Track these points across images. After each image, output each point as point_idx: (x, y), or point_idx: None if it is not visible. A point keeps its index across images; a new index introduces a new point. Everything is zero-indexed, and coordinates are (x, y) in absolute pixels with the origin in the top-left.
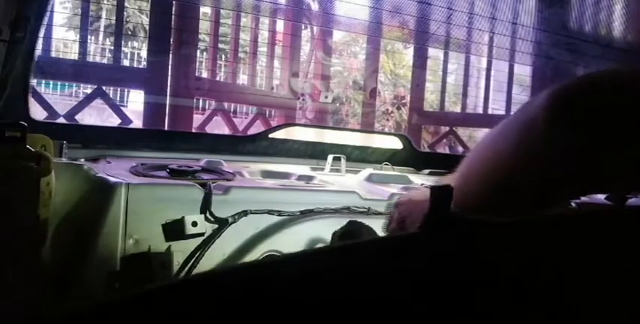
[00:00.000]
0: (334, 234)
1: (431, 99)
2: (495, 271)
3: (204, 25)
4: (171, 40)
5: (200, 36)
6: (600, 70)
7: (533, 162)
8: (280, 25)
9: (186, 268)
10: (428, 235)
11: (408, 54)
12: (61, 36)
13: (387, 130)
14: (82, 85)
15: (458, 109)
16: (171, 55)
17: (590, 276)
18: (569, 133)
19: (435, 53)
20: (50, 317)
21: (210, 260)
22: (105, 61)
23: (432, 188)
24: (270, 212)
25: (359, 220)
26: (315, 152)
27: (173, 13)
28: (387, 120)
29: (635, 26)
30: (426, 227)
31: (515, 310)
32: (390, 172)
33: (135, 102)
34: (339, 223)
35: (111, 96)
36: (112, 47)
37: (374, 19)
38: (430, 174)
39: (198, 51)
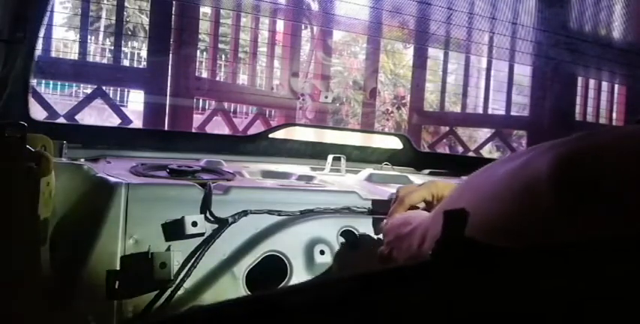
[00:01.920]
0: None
1: (431, 99)
2: (517, 302)
3: (204, 25)
4: (172, 40)
5: (200, 36)
6: (608, 130)
7: (535, 223)
8: (280, 25)
9: (186, 268)
10: (442, 263)
11: (408, 54)
12: (61, 36)
13: (387, 130)
14: (82, 85)
15: (458, 109)
16: (171, 55)
17: (612, 306)
18: (579, 208)
19: (435, 53)
20: None
21: (210, 260)
22: (105, 61)
23: (446, 212)
24: (270, 212)
25: (359, 220)
26: (315, 152)
27: (173, 13)
28: (387, 120)
29: (635, 26)
30: (439, 254)
31: None
32: (390, 172)
33: (135, 102)
34: (339, 223)
35: (111, 96)
36: (112, 47)
37: (374, 19)
38: (430, 174)
39: (198, 51)
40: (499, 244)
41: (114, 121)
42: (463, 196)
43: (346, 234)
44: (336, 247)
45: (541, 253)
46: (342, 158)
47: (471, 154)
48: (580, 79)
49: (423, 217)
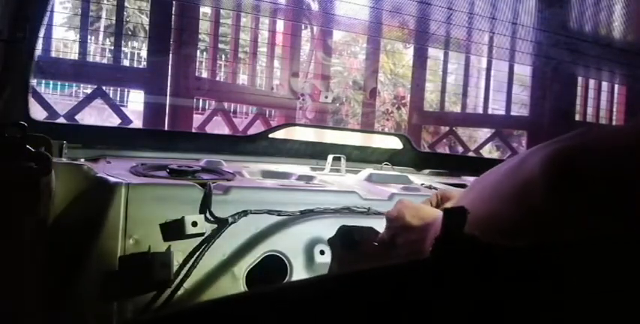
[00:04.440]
0: (331, 240)
1: (431, 99)
2: (516, 298)
3: (204, 25)
4: (171, 40)
5: (200, 36)
6: (598, 128)
7: (531, 219)
8: (280, 25)
9: (186, 268)
10: (440, 260)
11: (408, 54)
12: (61, 36)
13: (387, 130)
14: (82, 85)
15: (458, 109)
16: (171, 55)
17: (607, 301)
18: (571, 202)
19: (435, 53)
20: None
21: (210, 260)
22: (105, 61)
23: (446, 210)
24: (270, 212)
25: (359, 220)
26: (315, 152)
27: (173, 13)
28: (387, 120)
29: (635, 26)
30: (439, 251)
31: None
32: (390, 172)
33: (135, 102)
34: (339, 223)
35: (111, 96)
36: (112, 47)
37: (374, 19)
38: (430, 174)
39: (198, 51)
40: (499, 241)
41: (114, 121)
42: (468, 196)
43: (343, 231)
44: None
45: (540, 251)
46: (342, 158)
47: (471, 154)
48: (580, 79)
49: (435, 214)
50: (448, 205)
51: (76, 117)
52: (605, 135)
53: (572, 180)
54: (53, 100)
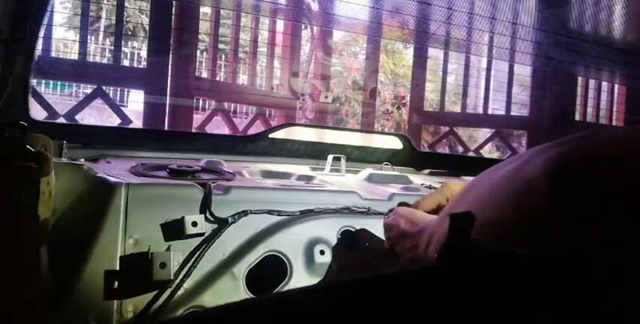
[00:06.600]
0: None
1: (431, 99)
2: (522, 305)
3: (204, 25)
4: (172, 40)
5: (200, 36)
6: (601, 131)
7: (531, 223)
8: (280, 25)
9: (186, 268)
10: (447, 267)
11: (408, 54)
12: (61, 36)
13: (387, 130)
14: (82, 85)
15: (458, 109)
16: (171, 55)
17: (612, 305)
18: (573, 207)
19: (435, 53)
20: None
21: (210, 260)
22: (105, 61)
23: (453, 215)
24: (270, 212)
25: (359, 220)
26: (315, 152)
27: (173, 13)
28: (387, 120)
29: (635, 26)
30: (445, 258)
31: None
32: (390, 172)
33: (135, 102)
34: (339, 223)
35: (111, 96)
36: (112, 47)
37: (374, 19)
38: (430, 174)
39: (198, 51)
40: (499, 245)
41: (114, 121)
42: (465, 199)
43: (346, 234)
44: None
45: (547, 257)
46: (342, 158)
47: (470, 154)
48: (580, 79)
49: (427, 218)
50: (445, 209)
51: (76, 117)
52: (607, 137)
53: (575, 184)
54: (53, 100)
